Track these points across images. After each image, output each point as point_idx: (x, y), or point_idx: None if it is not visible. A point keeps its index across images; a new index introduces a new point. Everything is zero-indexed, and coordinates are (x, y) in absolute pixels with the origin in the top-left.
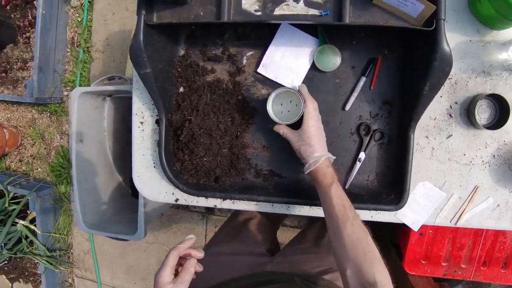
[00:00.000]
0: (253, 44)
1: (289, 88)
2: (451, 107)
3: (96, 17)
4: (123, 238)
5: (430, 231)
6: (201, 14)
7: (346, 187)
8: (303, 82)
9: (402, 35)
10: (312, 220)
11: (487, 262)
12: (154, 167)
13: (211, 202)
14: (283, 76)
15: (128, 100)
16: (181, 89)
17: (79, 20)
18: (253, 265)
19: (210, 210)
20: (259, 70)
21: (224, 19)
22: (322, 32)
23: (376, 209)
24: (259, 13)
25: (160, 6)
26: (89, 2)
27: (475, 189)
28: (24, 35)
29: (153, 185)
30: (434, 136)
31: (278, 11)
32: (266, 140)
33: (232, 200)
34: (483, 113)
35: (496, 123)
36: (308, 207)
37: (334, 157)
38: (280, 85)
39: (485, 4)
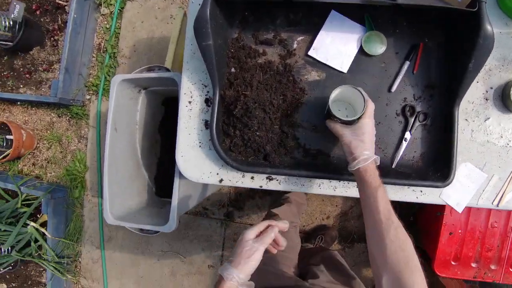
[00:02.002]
0: (304, 30)
1: (353, 87)
2: (486, 91)
3: (124, 24)
4: (153, 230)
5: (460, 231)
6: None
7: (393, 166)
8: (351, 65)
9: (441, 23)
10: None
11: None
12: (200, 146)
13: (256, 183)
14: (332, 59)
15: (160, 96)
16: (233, 70)
17: (107, 27)
18: (292, 279)
19: (229, 217)
20: (310, 52)
21: None
22: (369, 20)
23: (424, 186)
24: None
25: None
26: (119, 10)
27: None
28: (52, 38)
29: (196, 165)
30: (473, 118)
31: None
32: (315, 120)
33: (279, 180)
34: None
35: None
36: (355, 187)
37: (379, 160)
38: (330, 67)
39: None
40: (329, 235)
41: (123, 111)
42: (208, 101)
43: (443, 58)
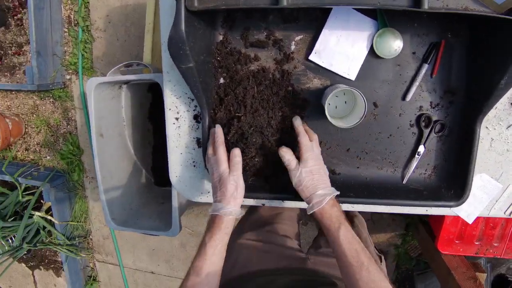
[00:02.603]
0: (302, 27)
1: (349, 88)
2: None
3: None
4: (157, 234)
5: None
6: None
7: (404, 182)
8: (360, 70)
9: (470, 18)
10: None
11: None
12: (194, 166)
13: (259, 201)
14: (338, 64)
15: (144, 85)
16: (222, 80)
17: None
18: (290, 259)
19: None
20: (311, 57)
21: (283, 3)
22: (382, 13)
23: (437, 206)
24: None
25: None
26: None
27: None
28: (15, 17)
29: (193, 185)
30: (494, 126)
31: None
32: (319, 134)
33: None
34: None
35: None
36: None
37: (338, 192)
38: (334, 74)
39: None
40: None
41: (106, 113)
42: (197, 117)
43: (467, 59)
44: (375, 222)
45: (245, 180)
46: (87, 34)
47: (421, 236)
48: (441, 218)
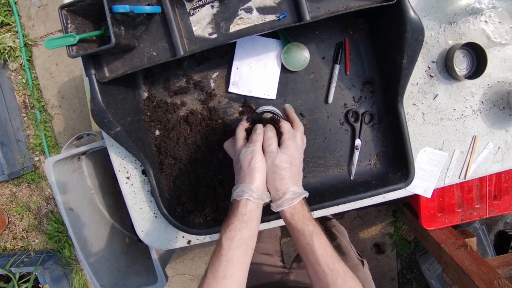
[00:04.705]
0: (216, 64)
1: (263, 108)
2: (429, 67)
3: (40, 73)
4: None
5: None
6: (154, 54)
7: (352, 178)
8: (278, 88)
9: (364, 11)
10: None
11: (497, 196)
12: (156, 217)
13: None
14: (256, 88)
15: (104, 150)
16: (157, 132)
17: (24, 81)
18: (271, 274)
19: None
20: (230, 89)
21: (180, 54)
22: (282, 31)
23: (387, 191)
24: (214, 36)
25: (108, 59)
26: (27, 60)
27: (473, 140)
28: None
29: (160, 235)
30: (421, 101)
31: (233, 28)
32: None
33: None
34: (460, 64)
35: (475, 70)
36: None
37: (307, 194)
38: (256, 98)
39: None
40: None
41: (70, 187)
42: (145, 172)
43: (372, 49)
44: (362, 217)
45: (205, 218)
46: (44, 114)
47: (408, 218)
48: (417, 197)
